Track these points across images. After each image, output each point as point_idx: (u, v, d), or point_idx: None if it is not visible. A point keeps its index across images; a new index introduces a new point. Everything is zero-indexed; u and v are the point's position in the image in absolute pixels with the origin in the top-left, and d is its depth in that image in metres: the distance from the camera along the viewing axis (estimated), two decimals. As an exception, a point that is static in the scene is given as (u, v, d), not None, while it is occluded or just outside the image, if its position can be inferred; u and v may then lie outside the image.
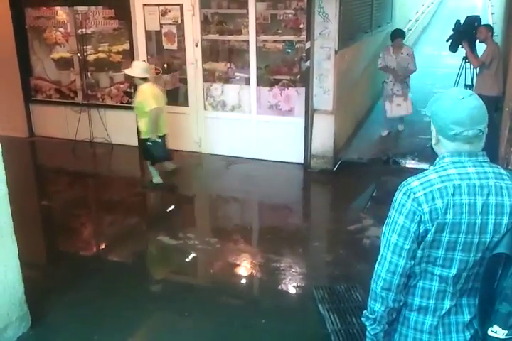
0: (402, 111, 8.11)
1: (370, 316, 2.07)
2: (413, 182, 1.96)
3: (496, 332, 1.88)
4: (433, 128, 2.02)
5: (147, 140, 6.24)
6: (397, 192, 2.00)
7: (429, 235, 1.91)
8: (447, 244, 1.91)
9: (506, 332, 1.86)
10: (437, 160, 2.03)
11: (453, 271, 1.95)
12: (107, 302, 4.22)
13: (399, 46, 8.08)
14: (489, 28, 7.19)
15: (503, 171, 1.99)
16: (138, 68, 6.23)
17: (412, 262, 1.97)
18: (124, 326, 3.95)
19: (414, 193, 1.92)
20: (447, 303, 2.02)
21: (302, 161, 7.18)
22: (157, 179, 6.58)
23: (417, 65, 8.22)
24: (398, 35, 8.19)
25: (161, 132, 6.33)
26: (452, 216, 1.88)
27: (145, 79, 6.20)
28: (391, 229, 1.98)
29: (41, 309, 4.02)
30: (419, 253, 1.95)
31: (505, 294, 1.87)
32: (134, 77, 6.24)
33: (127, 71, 6.40)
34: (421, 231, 1.92)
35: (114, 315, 4.07)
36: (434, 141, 2.04)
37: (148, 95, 6.09)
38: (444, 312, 2.02)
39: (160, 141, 6.27)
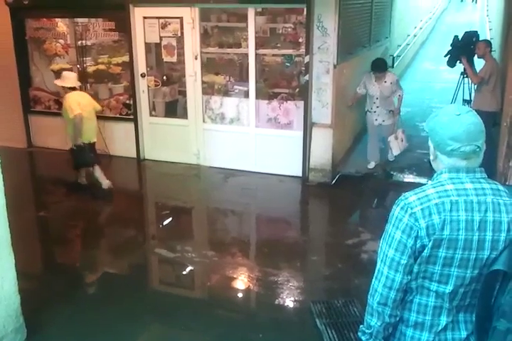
0: (404, 145, 7.42)
1: (367, 331, 2.07)
2: (410, 196, 1.96)
3: None
4: (431, 144, 2.03)
5: (73, 145, 6.64)
6: (394, 207, 2.00)
7: (425, 250, 1.91)
8: (444, 259, 1.91)
9: None
10: (435, 175, 2.04)
11: (449, 287, 1.95)
12: (103, 315, 4.19)
13: (382, 76, 7.22)
14: (488, 43, 7.21)
15: (500, 187, 2.00)
16: (68, 79, 6.70)
17: (409, 277, 1.97)
18: (120, 339, 3.93)
19: (411, 208, 1.92)
20: (444, 319, 2.01)
21: (300, 174, 7.18)
22: (82, 180, 7.04)
23: (402, 88, 7.41)
24: (379, 68, 7.20)
25: (86, 139, 6.66)
26: (449, 232, 1.89)
27: (73, 88, 6.67)
28: (388, 244, 1.98)
29: (37, 321, 3.99)
30: (415, 268, 1.95)
31: (503, 311, 1.86)
32: (63, 86, 6.68)
33: (58, 82, 6.82)
34: (418, 246, 1.92)
35: (110, 327, 4.04)
36: (431, 157, 2.05)
37: (72, 102, 6.47)
38: (440, 328, 2.01)
39: (84, 147, 6.62)
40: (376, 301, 2.01)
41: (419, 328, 2.03)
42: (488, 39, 8.08)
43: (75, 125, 6.48)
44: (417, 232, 1.90)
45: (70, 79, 6.71)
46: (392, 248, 1.96)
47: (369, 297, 2.06)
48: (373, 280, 2.05)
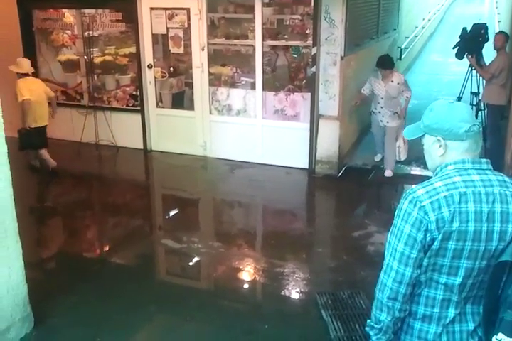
0: (406, 148, 7.10)
1: (376, 326, 2.05)
2: (418, 190, 1.94)
3: (500, 340, 1.87)
4: (436, 139, 2.01)
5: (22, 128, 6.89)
6: (402, 200, 1.99)
7: (435, 243, 1.90)
8: (453, 252, 1.91)
9: (511, 339, 1.86)
10: (439, 169, 2.02)
11: (458, 279, 1.95)
12: (109, 305, 4.22)
13: (388, 74, 6.86)
14: (507, 36, 7.09)
15: (506, 179, 1.99)
16: (22, 65, 6.86)
17: (419, 271, 1.96)
18: (126, 328, 3.95)
19: (420, 202, 1.91)
20: (452, 312, 2.01)
21: (307, 166, 7.17)
22: (35, 162, 7.35)
23: (410, 89, 7.02)
24: (384, 65, 6.85)
25: (38, 123, 6.94)
26: (459, 224, 1.88)
27: (26, 74, 6.83)
28: (397, 238, 1.96)
29: (44, 310, 4.02)
30: (425, 261, 1.94)
31: (510, 302, 1.86)
32: (17, 72, 6.81)
33: (12, 67, 6.87)
34: (427, 239, 1.90)
35: (116, 317, 4.07)
36: (440, 152, 2.01)
37: (22, 88, 6.71)
38: (448, 320, 2.01)
39: (31, 130, 6.86)
40: (386, 296, 2.00)
41: (427, 321, 2.03)
42: (506, 32, 7.89)
43: (22, 109, 6.73)
44: (427, 226, 1.89)
45: (24, 65, 6.87)
46: (401, 242, 1.94)
47: (377, 292, 2.04)
48: (382, 274, 2.03)
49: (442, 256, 1.92)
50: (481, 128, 2.00)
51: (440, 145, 2.00)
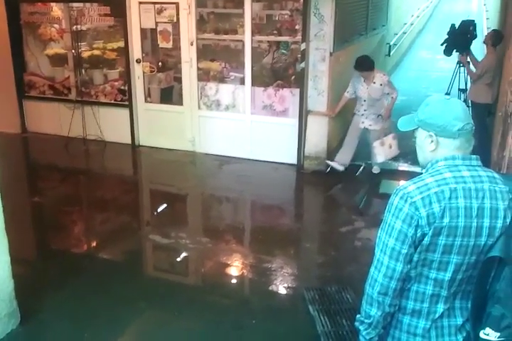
0: (394, 152, 6.79)
1: (366, 321, 2.06)
2: (409, 186, 1.96)
3: (488, 335, 1.89)
4: (429, 134, 2.01)
5: None
6: (392, 196, 2.00)
7: (426, 239, 1.92)
8: (444, 247, 1.92)
9: (499, 334, 1.87)
10: (429, 165, 2.04)
11: (448, 274, 1.97)
12: (97, 300, 4.20)
13: (368, 75, 6.59)
14: (497, 35, 7.06)
15: (496, 175, 2.01)
16: None
17: (409, 266, 1.97)
18: (114, 324, 3.94)
19: (411, 197, 1.92)
20: (441, 307, 2.03)
21: (295, 162, 7.19)
22: None
23: (394, 90, 6.68)
24: (362, 67, 6.56)
25: None
26: (449, 219, 1.90)
27: None
28: (388, 234, 1.98)
29: (31, 306, 4.00)
30: (415, 256, 1.96)
31: (498, 297, 1.88)
32: None
33: None
34: (418, 235, 1.92)
35: (104, 312, 4.05)
36: (431, 147, 2.02)
37: None
38: (437, 315, 2.03)
39: None
40: (376, 291, 2.01)
41: (416, 316, 2.05)
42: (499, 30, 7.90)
43: None
44: (418, 221, 1.90)
45: None
46: (392, 237, 1.96)
47: (368, 287, 2.05)
48: (372, 270, 2.04)
49: (432, 251, 1.94)
50: (473, 127, 2.00)
51: (432, 141, 2.01)
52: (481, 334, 1.91)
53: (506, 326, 1.87)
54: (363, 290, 2.09)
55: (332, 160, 6.91)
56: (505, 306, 1.87)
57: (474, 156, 2.00)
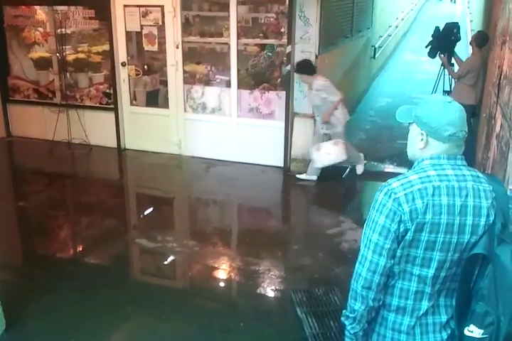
0: (334, 159, 6.55)
1: (350, 315, 2.09)
2: (394, 183, 1.99)
3: (472, 332, 1.93)
4: (421, 132, 2.03)
5: None
6: (377, 193, 2.03)
7: (408, 234, 1.94)
8: (426, 243, 1.95)
9: (482, 331, 1.91)
10: (416, 163, 2.07)
11: (431, 271, 1.99)
12: (84, 305, 4.17)
13: (307, 80, 6.48)
14: (482, 36, 7.09)
15: (480, 174, 2.04)
16: None
17: (392, 261, 2.00)
18: (101, 329, 3.91)
19: (395, 193, 1.95)
20: (425, 304, 2.05)
21: (282, 165, 7.19)
22: None
23: (335, 94, 6.43)
24: (299, 70, 6.49)
25: None
26: (431, 216, 1.92)
27: None
28: (372, 229, 2.01)
29: (17, 312, 3.96)
30: (398, 252, 1.98)
31: (482, 294, 1.92)
32: None
33: None
34: (401, 230, 1.95)
35: (91, 318, 4.02)
36: (420, 145, 2.04)
37: None
38: (421, 312, 2.05)
39: None
40: (360, 285, 2.04)
41: (400, 313, 2.07)
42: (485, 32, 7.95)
43: None
44: (401, 217, 1.93)
45: None
46: (376, 232, 1.99)
47: (352, 282, 2.08)
48: (357, 265, 2.07)
49: (415, 247, 1.96)
50: (466, 135, 2.00)
51: (422, 139, 2.03)
52: (466, 331, 1.95)
53: (490, 323, 1.90)
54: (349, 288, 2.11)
55: (302, 172, 6.89)
56: (488, 303, 1.91)
57: (459, 156, 2.03)
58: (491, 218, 1.97)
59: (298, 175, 6.90)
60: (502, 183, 2.20)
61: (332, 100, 6.43)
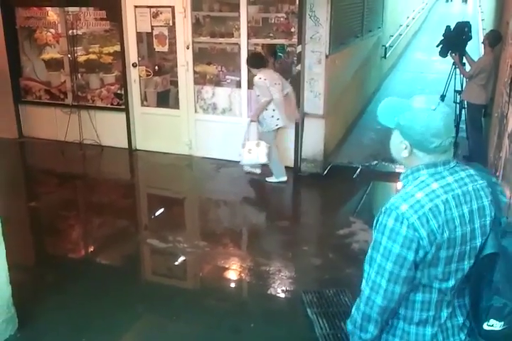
0: (255, 159, 6.53)
1: (363, 336, 2.00)
2: (401, 205, 1.86)
3: (492, 326, 1.90)
4: (404, 142, 1.94)
5: None
6: (383, 217, 1.90)
7: (428, 256, 1.86)
8: (445, 259, 1.89)
9: (502, 323, 1.89)
10: (409, 172, 1.97)
11: (452, 282, 1.94)
12: (95, 305, 4.20)
13: (254, 74, 6.54)
14: (495, 35, 7.06)
15: (472, 172, 1.99)
16: None
17: (410, 286, 1.92)
18: (112, 329, 3.93)
19: (407, 219, 1.83)
20: (445, 311, 2.00)
21: (292, 165, 7.18)
22: None
23: (267, 95, 6.35)
24: (247, 62, 6.64)
25: None
26: (448, 233, 1.86)
27: None
28: (384, 257, 1.88)
29: (29, 311, 3.99)
30: (418, 274, 1.90)
31: (496, 288, 1.88)
32: None
33: None
34: (421, 256, 1.86)
35: (102, 317, 4.05)
36: (405, 154, 1.95)
37: None
38: (443, 320, 2.00)
39: None
40: (375, 312, 1.94)
41: (422, 324, 2.00)
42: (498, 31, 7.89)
43: None
44: (419, 243, 1.83)
45: None
46: (390, 261, 1.87)
47: (364, 306, 1.96)
48: (368, 291, 1.94)
49: (435, 265, 1.89)
50: (453, 141, 1.92)
51: (406, 148, 1.95)
52: (485, 327, 1.91)
53: (508, 313, 1.88)
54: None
55: (269, 176, 6.82)
56: (504, 296, 1.88)
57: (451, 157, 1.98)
58: (493, 213, 1.96)
59: (267, 179, 6.81)
60: (486, 170, 2.14)
61: (262, 99, 6.41)
